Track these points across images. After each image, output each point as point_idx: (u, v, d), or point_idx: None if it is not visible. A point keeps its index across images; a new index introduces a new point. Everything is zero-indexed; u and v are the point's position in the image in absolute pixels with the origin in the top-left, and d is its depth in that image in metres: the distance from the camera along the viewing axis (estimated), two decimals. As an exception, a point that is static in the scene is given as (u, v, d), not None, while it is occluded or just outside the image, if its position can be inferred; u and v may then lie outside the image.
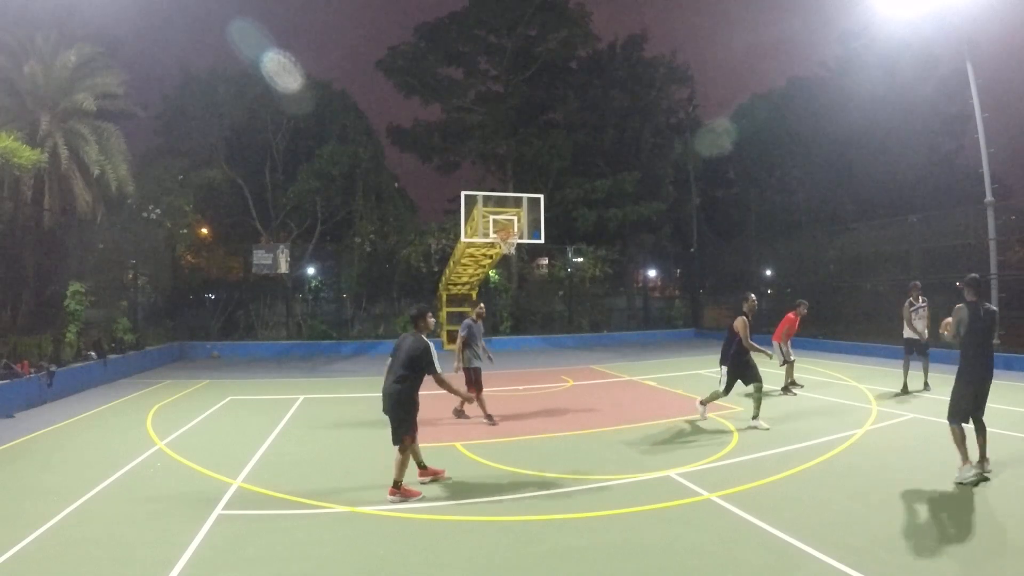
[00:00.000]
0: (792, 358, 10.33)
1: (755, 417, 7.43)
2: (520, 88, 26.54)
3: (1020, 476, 5.38)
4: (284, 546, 4.12)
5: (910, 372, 9.81)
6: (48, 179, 13.34)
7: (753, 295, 7.73)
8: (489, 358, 8.37)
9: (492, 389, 11.00)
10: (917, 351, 9.86)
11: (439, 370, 5.09)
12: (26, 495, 5.19)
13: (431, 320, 5.41)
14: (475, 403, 7.67)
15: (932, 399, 9.14)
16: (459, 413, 8.42)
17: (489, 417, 7.99)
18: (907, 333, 9.80)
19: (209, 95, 20.36)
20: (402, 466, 5.01)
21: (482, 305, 9.04)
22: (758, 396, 7.47)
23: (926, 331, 9.78)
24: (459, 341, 8.02)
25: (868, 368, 12.99)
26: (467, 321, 8.32)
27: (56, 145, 13.31)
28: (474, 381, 7.99)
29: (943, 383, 11.14)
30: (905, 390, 9.61)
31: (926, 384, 9.77)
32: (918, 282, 10.22)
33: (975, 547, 3.91)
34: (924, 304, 10.01)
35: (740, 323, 7.35)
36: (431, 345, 5.12)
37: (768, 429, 7.21)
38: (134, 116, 16.47)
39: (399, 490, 4.97)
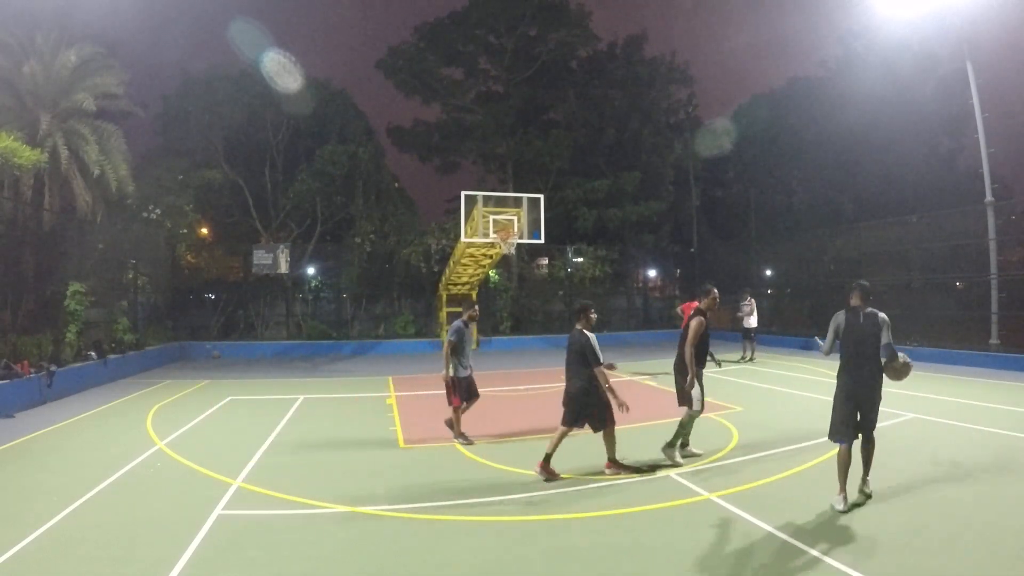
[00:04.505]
0: None
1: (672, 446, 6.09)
2: (520, 88, 26.51)
3: (1020, 477, 5.38)
4: (284, 546, 4.12)
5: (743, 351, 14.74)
6: (48, 179, 13.34)
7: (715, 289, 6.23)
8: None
9: (493, 389, 11.01)
10: (747, 336, 14.76)
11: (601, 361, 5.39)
12: (26, 495, 5.20)
13: (592, 315, 5.65)
14: (455, 416, 7.03)
15: (931, 399, 9.14)
16: (451, 424, 7.20)
17: (462, 435, 7.02)
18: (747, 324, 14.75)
19: (209, 95, 20.34)
20: (614, 442, 5.59)
21: (476, 307, 7.61)
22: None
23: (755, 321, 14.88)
24: (448, 346, 6.90)
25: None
26: (457, 324, 7.05)
27: (56, 145, 13.30)
28: (460, 391, 7.00)
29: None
30: (744, 361, 14.42)
31: (747, 358, 14.59)
32: (748, 288, 16.03)
33: (975, 547, 3.91)
34: (751, 303, 14.74)
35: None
36: (590, 337, 5.45)
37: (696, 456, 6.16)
38: (134, 116, 16.47)
39: (545, 467, 5.49)
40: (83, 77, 14.46)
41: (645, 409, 8.89)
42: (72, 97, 14.05)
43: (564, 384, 5.69)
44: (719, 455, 6.21)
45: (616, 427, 5.64)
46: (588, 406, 5.49)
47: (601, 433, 5.62)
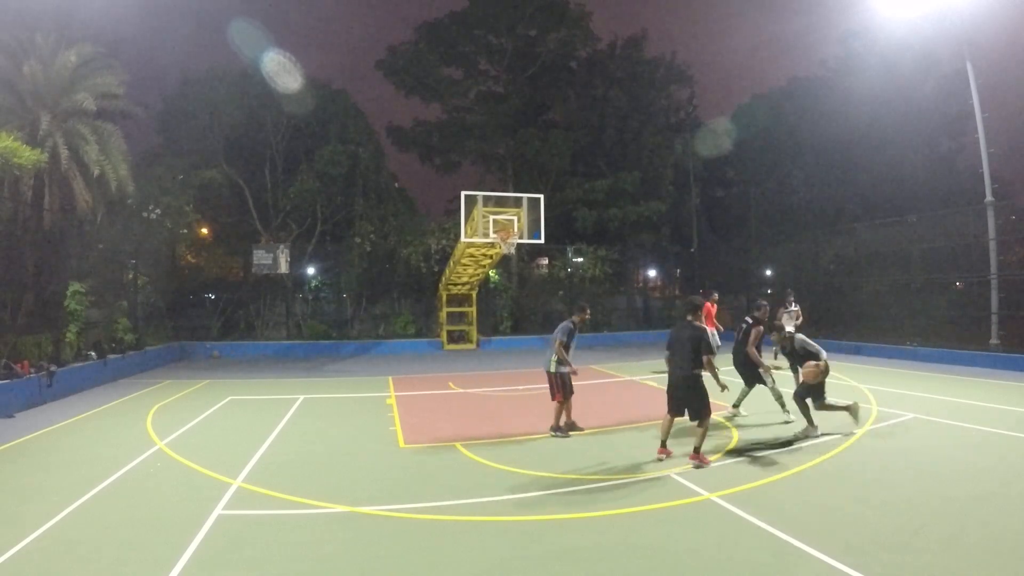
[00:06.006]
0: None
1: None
2: (520, 88, 26.52)
3: (1020, 477, 5.38)
4: (284, 546, 4.12)
5: None
6: (48, 179, 13.32)
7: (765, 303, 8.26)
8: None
9: (494, 389, 11.03)
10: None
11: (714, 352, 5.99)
12: (26, 495, 5.20)
13: (701, 312, 6.37)
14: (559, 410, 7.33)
15: (931, 399, 9.14)
16: (571, 426, 7.40)
17: (572, 424, 7.37)
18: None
19: (209, 95, 20.34)
20: (704, 436, 5.93)
21: (588, 309, 7.95)
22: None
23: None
24: (559, 345, 7.20)
25: (868, 368, 12.99)
26: (568, 325, 7.42)
27: (56, 145, 13.28)
28: (566, 387, 7.33)
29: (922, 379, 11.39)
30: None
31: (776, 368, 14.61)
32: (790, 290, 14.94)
33: (975, 547, 3.91)
34: (796, 309, 13.71)
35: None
36: (707, 330, 6.10)
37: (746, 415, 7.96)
38: (134, 116, 16.41)
39: (698, 455, 5.88)
40: (83, 77, 14.44)
41: (645, 409, 8.89)
42: (72, 97, 14.04)
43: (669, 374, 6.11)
44: (719, 455, 6.21)
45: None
46: (689, 398, 5.88)
47: (694, 424, 5.98)
